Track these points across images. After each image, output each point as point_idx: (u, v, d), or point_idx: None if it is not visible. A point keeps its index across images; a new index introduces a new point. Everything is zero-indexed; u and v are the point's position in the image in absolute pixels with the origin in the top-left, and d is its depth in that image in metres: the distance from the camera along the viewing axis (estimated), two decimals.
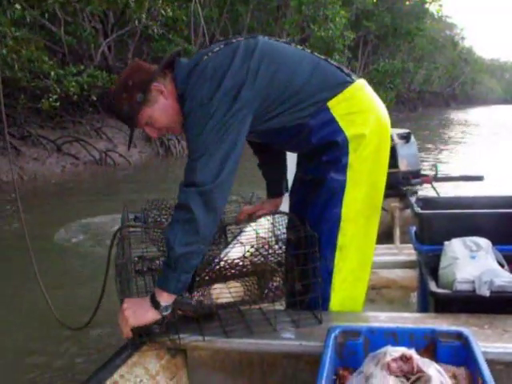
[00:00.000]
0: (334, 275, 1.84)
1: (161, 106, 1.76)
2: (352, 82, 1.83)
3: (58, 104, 9.71)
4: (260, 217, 2.10)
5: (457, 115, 35.60)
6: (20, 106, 10.11)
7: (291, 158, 2.10)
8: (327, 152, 1.80)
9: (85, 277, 4.22)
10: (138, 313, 1.64)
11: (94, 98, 10.94)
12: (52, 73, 9.56)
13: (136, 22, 11.91)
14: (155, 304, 1.63)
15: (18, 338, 3.28)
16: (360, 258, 1.90)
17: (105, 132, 12.28)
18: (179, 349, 1.78)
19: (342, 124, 1.78)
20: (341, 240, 1.83)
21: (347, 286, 1.88)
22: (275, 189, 2.18)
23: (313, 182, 1.74)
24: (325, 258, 1.80)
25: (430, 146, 14.38)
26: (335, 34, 17.43)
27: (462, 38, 58.26)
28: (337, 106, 1.78)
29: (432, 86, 40.42)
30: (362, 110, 1.82)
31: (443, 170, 7.30)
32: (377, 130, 1.84)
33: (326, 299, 1.83)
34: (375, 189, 1.89)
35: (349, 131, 1.79)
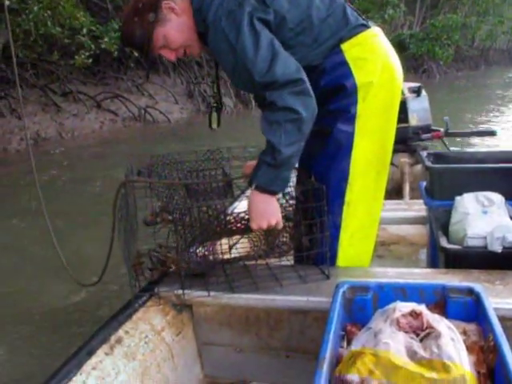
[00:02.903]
0: (341, 231, 1.80)
1: (174, 24, 1.71)
2: (368, 27, 1.77)
3: (90, 61, 9.55)
4: None
5: None
6: (57, 62, 10.00)
7: None
8: (335, 100, 1.74)
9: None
10: (270, 213, 1.66)
11: (136, 54, 10.73)
12: (85, 29, 9.38)
13: None
14: (273, 192, 1.64)
15: (27, 290, 3.32)
16: (368, 214, 1.85)
17: (146, 88, 12.01)
18: (185, 304, 1.76)
19: (353, 68, 1.72)
20: (349, 195, 1.78)
21: (354, 242, 1.84)
22: None
23: (319, 133, 1.68)
24: (332, 213, 1.76)
25: (485, 106, 13.24)
26: None
27: None
28: (350, 50, 1.72)
29: (496, 42, 37.68)
30: (373, 58, 1.75)
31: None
32: (387, 79, 1.77)
33: (333, 255, 1.79)
34: (384, 142, 1.83)
35: (358, 77, 1.72)
